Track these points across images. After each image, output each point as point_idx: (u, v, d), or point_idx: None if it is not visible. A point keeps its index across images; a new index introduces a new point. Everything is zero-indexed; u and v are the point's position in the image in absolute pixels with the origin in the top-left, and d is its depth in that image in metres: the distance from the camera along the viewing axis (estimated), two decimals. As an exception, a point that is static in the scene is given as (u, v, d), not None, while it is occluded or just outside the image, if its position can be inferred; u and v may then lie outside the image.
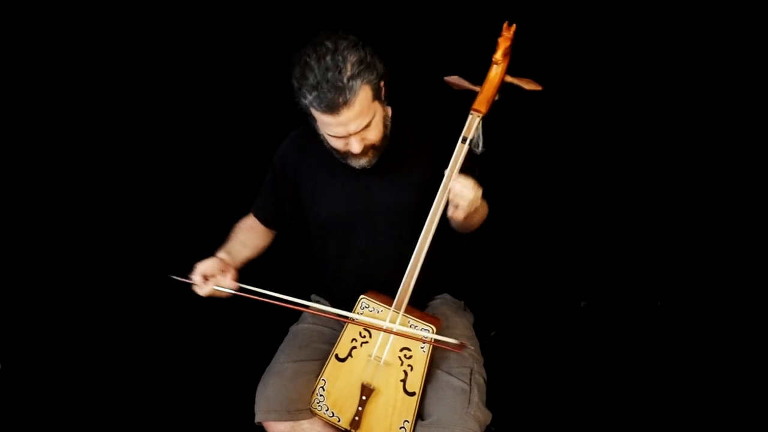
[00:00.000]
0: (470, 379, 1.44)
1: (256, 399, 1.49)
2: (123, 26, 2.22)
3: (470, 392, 1.41)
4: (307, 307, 1.50)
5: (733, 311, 2.41)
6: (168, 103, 2.36)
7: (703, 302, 2.46)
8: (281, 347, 1.61)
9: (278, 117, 1.79)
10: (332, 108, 1.30)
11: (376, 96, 1.37)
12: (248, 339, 2.24)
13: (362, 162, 1.45)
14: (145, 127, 2.39)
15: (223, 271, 1.46)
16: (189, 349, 2.34)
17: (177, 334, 2.39)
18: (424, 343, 1.40)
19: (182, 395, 2.16)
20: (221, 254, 1.53)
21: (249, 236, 1.67)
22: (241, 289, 1.45)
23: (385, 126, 1.45)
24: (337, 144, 1.42)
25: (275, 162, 1.65)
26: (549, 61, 2.08)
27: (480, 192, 1.37)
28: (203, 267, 1.44)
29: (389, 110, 1.52)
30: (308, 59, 1.30)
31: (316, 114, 1.35)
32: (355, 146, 1.39)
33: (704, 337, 2.36)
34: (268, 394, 1.47)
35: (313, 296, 1.79)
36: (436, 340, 1.39)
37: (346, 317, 1.45)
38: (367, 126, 1.37)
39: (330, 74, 1.27)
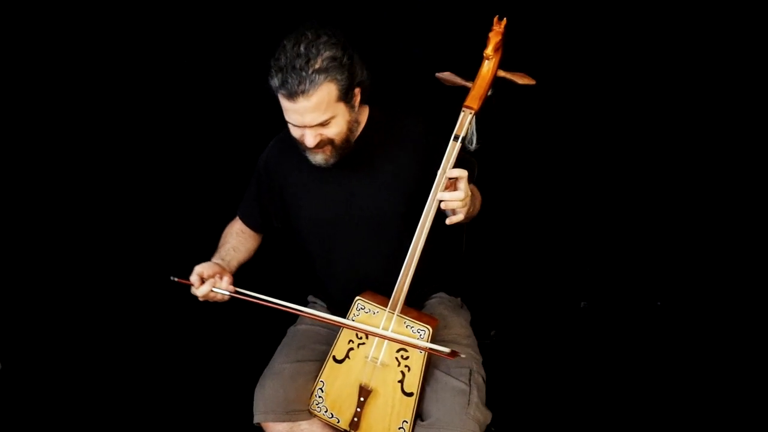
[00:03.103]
0: (469, 379, 1.43)
1: (255, 400, 1.49)
2: (117, 27, 2.22)
3: (469, 392, 1.41)
4: (300, 311, 1.48)
5: (733, 311, 2.40)
6: (160, 105, 2.36)
7: (703, 302, 2.45)
8: (279, 348, 1.61)
9: (270, 119, 1.79)
10: (290, 94, 1.30)
11: (343, 98, 1.37)
12: (246, 340, 2.24)
13: (318, 158, 1.44)
14: (139, 128, 2.39)
15: (219, 275, 1.47)
16: (188, 350, 2.34)
17: (176, 335, 2.39)
18: (420, 350, 1.39)
19: (181, 396, 2.16)
20: (216, 260, 1.55)
21: (239, 241, 1.68)
22: (237, 293, 1.46)
23: (349, 129, 1.43)
24: (295, 133, 1.42)
25: (259, 166, 1.66)
26: (543, 54, 2.08)
27: (467, 188, 1.34)
28: (201, 269, 1.46)
29: (364, 114, 1.53)
30: (286, 42, 1.32)
31: (279, 97, 1.35)
32: (309, 139, 1.38)
33: (704, 337, 2.36)
34: (266, 394, 1.47)
35: (310, 297, 1.79)
36: (430, 348, 1.37)
37: (340, 323, 1.44)
38: (325, 124, 1.37)
39: (298, 61, 1.28)
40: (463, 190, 1.29)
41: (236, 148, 2.36)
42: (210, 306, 2.30)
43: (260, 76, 2.14)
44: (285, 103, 1.35)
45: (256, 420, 1.48)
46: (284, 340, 1.64)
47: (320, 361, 1.50)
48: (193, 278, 1.44)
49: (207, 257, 1.54)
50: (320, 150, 1.42)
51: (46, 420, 2.05)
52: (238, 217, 1.74)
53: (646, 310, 2.51)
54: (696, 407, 2.08)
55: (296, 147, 1.48)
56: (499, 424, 1.55)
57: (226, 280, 1.47)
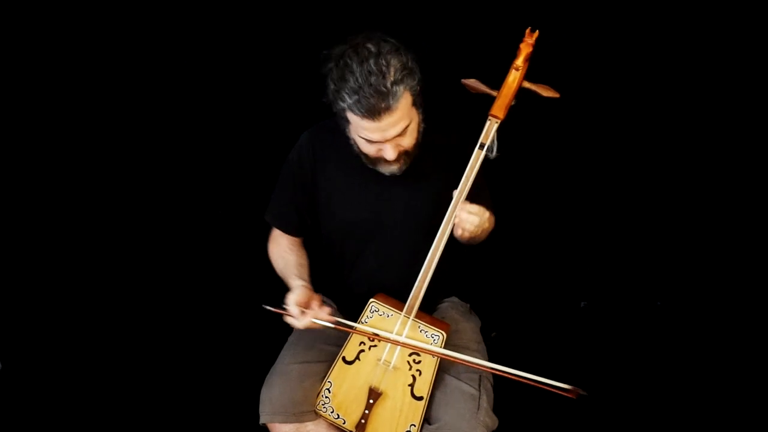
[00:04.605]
0: (479, 385, 1.44)
1: (261, 400, 1.48)
2: (127, 26, 2.19)
3: (479, 398, 1.42)
4: (389, 339, 1.43)
5: (733, 311, 2.42)
6: (176, 105, 2.33)
7: (703, 302, 2.47)
8: (285, 348, 1.61)
9: (284, 119, 1.78)
10: (373, 113, 1.26)
11: (415, 102, 1.35)
12: (252, 340, 2.23)
13: (393, 168, 1.42)
14: (151, 129, 2.36)
15: (317, 302, 1.40)
16: (193, 350, 2.32)
17: (180, 335, 2.38)
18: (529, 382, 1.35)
19: (186, 396, 2.15)
20: (299, 282, 1.46)
21: (299, 254, 1.61)
22: (337, 323, 1.40)
23: (418, 132, 1.42)
24: (369, 149, 1.38)
25: (291, 163, 1.59)
26: (553, 65, 2.07)
27: (486, 214, 1.35)
28: (297, 298, 1.37)
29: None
30: (349, 61, 1.26)
31: (353, 118, 1.30)
32: (390, 153, 1.35)
33: (704, 337, 2.37)
34: (273, 395, 1.47)
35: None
36: (543, 383, 1.33)
37: (392, 339, 1.41)
38: (403, 133, 1.34)
39: (373, 78, 1.23)
40: (479, 219, 1.32)
41: (247, 149, 2.35)
42: (214, 305, 2.30)
43: (268, 77, 2.10)
44: (364, 123, 1.29)
45: (262, 421, 1.48)
46: (290, 339, 1.63)
47: (327, 362, 1.50)
48: (294, 310, 1.36)
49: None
50: (396, 161, 1.40)
51: (46, 420, 2.04)
52: (276, 236, 1.65)
53: (646, 310, 2.52)
54: (696, 407, 2.10)
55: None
56: (498, 424, 1.55)
57: (327, 310, 1.39)
